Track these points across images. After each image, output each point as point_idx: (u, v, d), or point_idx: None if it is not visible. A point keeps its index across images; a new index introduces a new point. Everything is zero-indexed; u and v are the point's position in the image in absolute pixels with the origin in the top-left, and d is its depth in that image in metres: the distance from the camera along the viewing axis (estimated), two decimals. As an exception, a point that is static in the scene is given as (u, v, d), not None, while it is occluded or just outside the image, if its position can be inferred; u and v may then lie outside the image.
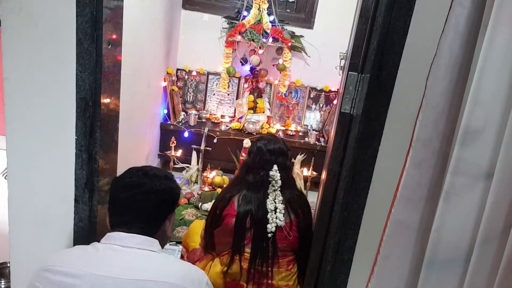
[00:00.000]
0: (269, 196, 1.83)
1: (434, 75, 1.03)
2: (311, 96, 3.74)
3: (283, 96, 3.68)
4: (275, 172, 1.84)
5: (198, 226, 2.20)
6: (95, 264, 1.03)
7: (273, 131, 3.51)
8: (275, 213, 1.80)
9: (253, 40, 3.36)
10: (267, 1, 3.34)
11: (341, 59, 2.09)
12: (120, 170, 1.28)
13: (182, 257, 2.14)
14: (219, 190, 3.11)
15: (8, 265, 2.00)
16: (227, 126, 3.52)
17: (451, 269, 1.08)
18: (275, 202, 1.82)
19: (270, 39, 3.37)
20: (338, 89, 3.40)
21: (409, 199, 1.11)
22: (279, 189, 1.84)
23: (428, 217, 1.12)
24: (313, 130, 3.61)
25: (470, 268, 1.03)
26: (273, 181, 1.84)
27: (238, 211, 1.83)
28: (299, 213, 1.86)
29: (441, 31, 1.14)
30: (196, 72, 3.70)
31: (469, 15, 0.98)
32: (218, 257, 1.89)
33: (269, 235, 1.79)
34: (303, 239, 1.84)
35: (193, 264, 1.97)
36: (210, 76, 3.72)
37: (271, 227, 1.78)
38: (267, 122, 3.55)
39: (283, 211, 1.81)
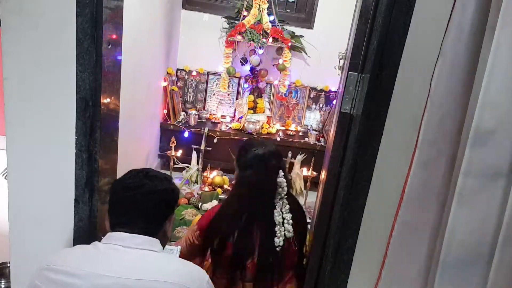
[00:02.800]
0: (276, 207, 1.63)
1: (438, 76, 1.03)
2: (311, 96, 3.74)
3: (283, 96, 3.68)
4: (282, 178, 1.64)
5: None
6: (96, 264, 1.04)
7: (273, 131, 3.52)
8: (283, 225, 1.63)
9: (253, 40, 3.36)
10: (267, 1, 3.34)
11: (340, 59, 2.09)
12: (120, 170, 1.28)
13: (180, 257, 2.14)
14: (219, 190, 3.11)
15: (8, 265, 2.00)
16: (227, 126, 3.52)
17: (468, 271, 1.07)
18: (282, 212, 1.64)
19: (270, 39, 3.37)
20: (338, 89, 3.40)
21: (416, 200, 1.11)
22: (285, 196, 1.65)
23: (435, 218, 1.12)
24: (313, 130, 3.61)
25: (492, 268, 1.02)
26: (280, 188, 1.64)
27: (235, 248, 1.63)
28: (300, 225, 1.72)
29: (441, 31, 1.14)
30: (196, 72, 3.70)
31: (472, 15, 0.97)
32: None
33: (278, 249, 1.61)
34: (300, 250, 1.73)
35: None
36: (210, 76, 3.72)
37: (279, 241, 1.61)
38: (267, 122, 3.55)
39: (291, 221, 1.64)
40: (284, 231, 1.63)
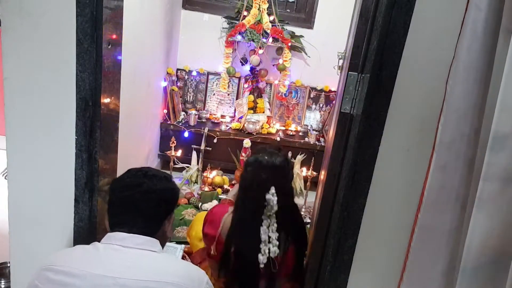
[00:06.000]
0: (263, 224, 1.57)
1: (453, 79, 1.03)
2: (311, 96, 3.74)
3: (283, 96, 3.68)
4: (271, 196, 1.55)
5: (200, 219, 2.20)
6: (96, 264, 1.03)
7: (273, 131, 3.52)
8: (268, 243, 1.57)
9: (253, 40, 3.36)
10: (267, 1, 3.34)
11: (340, 59, 2.10)
12: (120, 170, 1.28)
13: (184, 257, 2.14)
14: (219, 190, 3.11)
15: (8, 265, 2.00)
16: (227, 126, 3.52)
17: (488, 275, 1.06)
18: (269, 231, 1.58)
19: (270, 39, 3.37)
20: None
21: (435, 203, 1.11)
22: (274, 215, 1.58)
23: (455, 220, 1.11)
24: (313, 130, 3.61)
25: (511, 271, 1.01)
26: (269, 206, 1.56)
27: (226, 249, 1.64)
28: (293, 243, 1.66)
29: (441, 31, 1.14)
30: (196, 72, 3.70)
31: (486, 17, 0.97)
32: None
33: (261, 266, 1.57)
34: (297, 268, 1.70)
35: (197, 265, 1.97)
36: (210, 76, 3.72)
37: (262, 258, 1.56)
38: (267, 122, 3.55)
39: (276, 242, 1.57)
40: (267, 251, 1.56)
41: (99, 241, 1.12)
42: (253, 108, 3.54)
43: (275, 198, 1.55)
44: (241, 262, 1.61)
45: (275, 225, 1.58)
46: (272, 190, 1.56)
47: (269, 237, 1.57)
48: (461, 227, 1.11)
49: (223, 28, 3.58)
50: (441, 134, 1.06)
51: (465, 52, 1.00)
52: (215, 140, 3.36)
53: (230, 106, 3.78)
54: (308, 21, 3.62)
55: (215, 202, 2.87)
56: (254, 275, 1.61)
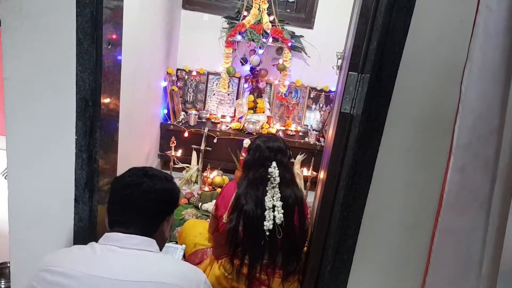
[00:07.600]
0: (267, 193, 1.79)
1: (468, 80, 1.02)
2: (311, 96, 3.74)
3: (283, 96, 3.68)
4: (273, 169, 1.81)
5: (192, 225, 2.25)
6: (93, 265, 1.03)
7: (273, 131, 3.52)
8: (272, 211, 1.76)
9: (253, 40, 3.36)
10: (267, 1, 3.34)
11: (338, 58, 2.09)
12: (120, 170, 1.28)
13: (184, 257, 2.14)
14: (219, 190, 3.10)
15: (8, 265, 2.00)
16: (227, 126, 3.52)
17: None
18: (273, 200, 1.78)
19: (270, 39, 3.37)
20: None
21: (455, 205, 1.10)
22: (277, 186, 1.80)
23: (476, 221, 1.10)
24: (313, 130, 3.61)
25: None
26: (272, 178, 1.80)
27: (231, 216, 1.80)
28: (294, 213, 1.83)
29: (441, 31, 1.14)
30: (196, 72, 3.70)
31: (499, 17, 0.96)
32: (216, 260, 1.89)
33: (267, 233, 1.75)
34: (292, 239, 1.82)
35: (195, 266, 1.97)
36: (210, 76, 3.72)
37: (268, 224, 1.74)
38: (267, 122, 3.55)
39: (281, 209, 1.77)
40: (274, 217, 1.76)
41: (97, 242, 1.12)
42: (253, 108, 3.54)
43: (277, 171, 1.81)
44: (249, 228, 1.78)
45: (279, 195, 1.80)
46: (274, 164, 1.82)
47: (274, 205, 1.78)
48: (482, 228, 1.11)
49: (223, 28, 3.58)
50: (457, 136, 1.06)
51: (479, 53, 0.99)
52: (215, 140, 3.36)
53: (230, 106, 3.78)
54: (308, 21, 3.62)
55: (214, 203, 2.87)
56: (261, 244, 1.76)
